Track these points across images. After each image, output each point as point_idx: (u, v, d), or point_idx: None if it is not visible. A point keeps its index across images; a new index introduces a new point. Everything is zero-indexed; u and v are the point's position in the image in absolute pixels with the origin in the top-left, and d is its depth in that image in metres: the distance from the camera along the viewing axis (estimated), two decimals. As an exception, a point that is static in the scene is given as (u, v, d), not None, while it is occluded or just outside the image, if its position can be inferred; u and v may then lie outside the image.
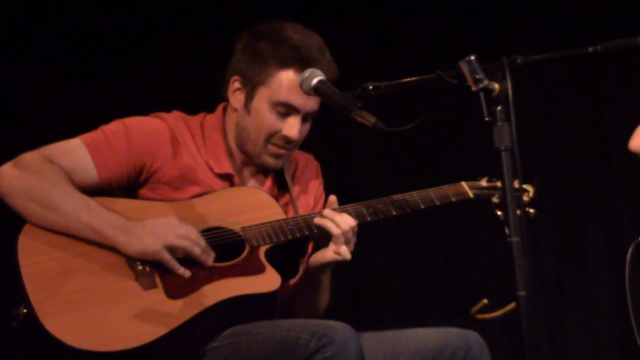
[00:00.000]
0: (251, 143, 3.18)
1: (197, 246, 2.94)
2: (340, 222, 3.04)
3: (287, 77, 3.11)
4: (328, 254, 3.07)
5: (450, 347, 2.98)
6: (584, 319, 5.00)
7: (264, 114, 3.14)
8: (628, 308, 3.60)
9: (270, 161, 3.19)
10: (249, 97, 3.16)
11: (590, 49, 2.53)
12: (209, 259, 2.96)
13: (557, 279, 5.00)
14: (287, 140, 3.16)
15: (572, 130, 5.05)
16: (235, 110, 3.21)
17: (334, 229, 3.04)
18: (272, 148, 3.17)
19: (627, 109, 4.84)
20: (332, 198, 3.14)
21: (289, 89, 3.09)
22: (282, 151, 3.18)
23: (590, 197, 5.04)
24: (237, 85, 3.19)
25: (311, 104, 3.13)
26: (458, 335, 3.01)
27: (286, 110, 3.13)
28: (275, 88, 3.12)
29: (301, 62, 3.08)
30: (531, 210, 3.14)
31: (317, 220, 3.07)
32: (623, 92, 4.93)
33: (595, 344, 4.99)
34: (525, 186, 3.17)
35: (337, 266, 3.14)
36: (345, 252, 3.05)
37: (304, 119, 3.17)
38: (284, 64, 3.10)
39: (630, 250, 3.62)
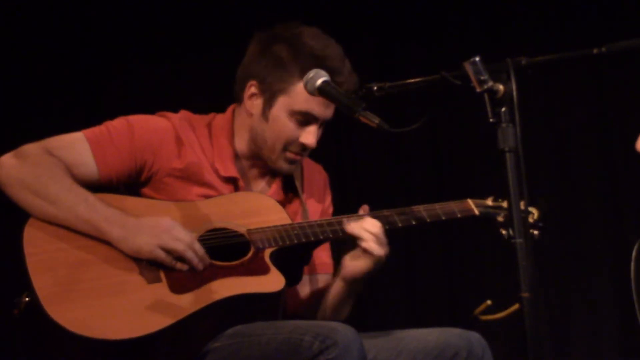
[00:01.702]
0: (267, 149, 3.17)
1: (191, 250, 2.93)
2: (369, 227, 3.05)
3: None
4: (360, 258, 3.07)
5: (452, 347, 2.98)
6: (587, 320, 4.99)
7: (283, 123, 3.14)
8: (632, 310, 3.59)
9: (285, 167, 3.19)
10: (268, 104, 3.15)
11: (595, 51, 2.54)
12: (200, 264, 2.95)
13: (560, 281, 4.99)
14: (304, 147, 3.16)
15: (575, 131, 5.04)
16: (251, 115, 3.19)
17: (363, 234, 3.04)
18: (289, 154, 3.17)
19: (631, 110, 4.84)
20: (365, 208, 3.14)
21: (309, 98, 3.06)
22: (298, 157, 3.18)
23: (594, 198, 5.03)
24: (253, 90, 3.17)
25: (329, 112, 3.13)
26: (460, 335, 3.01)
27: (305, 118, 3.13)
28: (295, 97, 3.11)
29: None
30: (535, 232, 3.14)
31: (347, 226, 3.07)
32: (627, 94, 4.93)
33: (599, 345, 4.98)
34: (530, 208, 3.17)
35: (371, 273, 3.12)
36: (375, 248, 3.03)
37: (319, 127, 3.17)
38: (305, 74, 3.05)
39: (635, 249, 3.62)
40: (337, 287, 3.17)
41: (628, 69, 4.77)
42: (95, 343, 2.76)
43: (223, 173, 3.17)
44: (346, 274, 3.13)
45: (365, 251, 3.05)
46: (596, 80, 5.01)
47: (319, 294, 3.24)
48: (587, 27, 4.92)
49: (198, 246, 2.95)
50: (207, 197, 3.12)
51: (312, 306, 3.23)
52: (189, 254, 2.93)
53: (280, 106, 3.14)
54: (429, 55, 4.91)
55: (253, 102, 3.18)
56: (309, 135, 3.14)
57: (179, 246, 2.92)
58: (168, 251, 2.92)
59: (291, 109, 3.12)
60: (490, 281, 4.85)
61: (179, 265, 2.93)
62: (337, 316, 3.20)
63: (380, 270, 3.13)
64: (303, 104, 3.10)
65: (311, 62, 3.07)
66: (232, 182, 3.19)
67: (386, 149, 4.98)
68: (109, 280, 2.89)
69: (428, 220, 3.16)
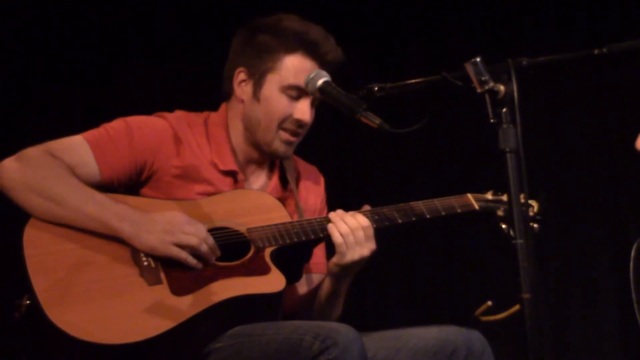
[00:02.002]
0: (262, 131, 3.18)
1: (205, 244, 2.94)
2: (340, 226, 3.06)
3: (294, 61, 3.13)
4: (334, 257, 3.09)
5: (451, 344, 2.98)
6: (587, 321, 4.99)
7: (274, 99, 3.15)
8: (632, 310, 3.60)
9: (281, 148, 3.19)
10: (258, 85, 3.17)
11: (596, 51, 2.54)
12: (213, 257, 2.96)
13: (560, 281, 4.99)
14: (299, 124, 3.17)
15: (576, 131, 5.04)
16: (242, 101, 3.21)
17: (335, 235, 3.05)
18: (283, 135, 3.17)
19: (632, 111, 4.84)
20: (366, 207, 3.15)
21: (297, 72, 3.10)
22: (293, 138, 3.19)
23: (594, 198, 5.03)
24: (242, 76, 3.20)
25: None
26: (459, 332, 3.01)
27: (297, 93, 3.15)
28: (284, 73, 3.13)
29: (307, 45, 3.12)
30: (535, 226, 3.14)
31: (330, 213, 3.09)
32: (628, 94, 4.93)
33: (599, 345, 4.98)
34: (530, 201, 3.18)
35: (350, 272, 3.12)
36: (337, 237, 3.04)
37: (312, 104, 3.18)
38: (291, 49, 3.13)
39: (634, 249, 3.62)
40: (324, 285, 3.18)
41: (629, 70, 4.77)
42: (95, 347, 2.76)
43: (222, 167, 3.18)
44: (328, 270, 3.15)
45: (335, 244, 3.07)
46: (597, 80, 5.00)
47: (314, 294, 3.24)
48: (588, 27, 4.92)
49: (211, 240, 2.95)
50: (207, 194, 3.13)
51: (308, 306, 3.23)
52: (204, 248, 2.93)
53: (270, 84, 3.16)
54: (430, 55, 4.91)
55: (243, 89, 3.21)
56: (302, 111, 3.15)
57: (193, 241, 2.92)
58: (182, 247, 2.92)
59: (281, 84, 3.14)
60: (490, 282, 4.84)
61: (194, 262, 2.92)
62: (325, 315, 3.20)
63: (363, 270, 3.13)
64: (292, 78, 3.11)
65: (293, 37, 3.14)
66: (231, 175, 3.20)
67: (387, 148, 4.98)
68: (109, 282, 2.88)
69: (428, 216, 3.16)
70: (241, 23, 3.30)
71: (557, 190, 4.92)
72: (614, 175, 5.02)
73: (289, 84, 3.14)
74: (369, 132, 2.87)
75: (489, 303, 2.98)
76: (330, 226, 3.07)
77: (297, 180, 3.33)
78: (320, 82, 2.98)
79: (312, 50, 3.12)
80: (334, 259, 3.10)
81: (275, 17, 3.21)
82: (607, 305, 4.97)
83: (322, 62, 3.12)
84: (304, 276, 3.24)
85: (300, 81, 3.10)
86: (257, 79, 3.17)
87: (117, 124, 3.12)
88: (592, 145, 5.05)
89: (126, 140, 3.09)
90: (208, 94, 3.39)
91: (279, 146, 3.19)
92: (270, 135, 3.18)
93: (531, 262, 2.36)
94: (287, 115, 3.16)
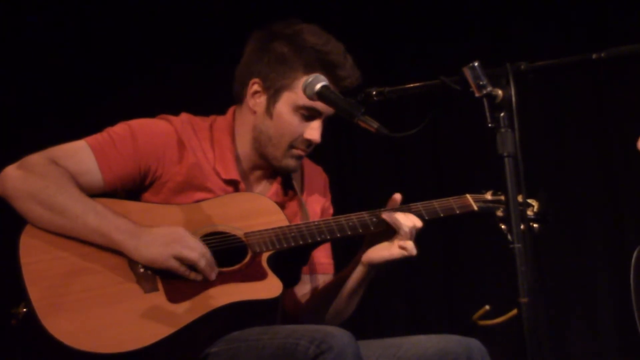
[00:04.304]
0: (272, 147, 3.17)
1: (203, 259, 2.92)
2: (407, 220, 3.07)
3: None
4: (394, 250, 3.09)
5: (451, 354, 2.97)
6: (586, 324, 4.99)
7: (287, 118, 3.14)
8: (631, 315, 3.60)
9: (292, 163, 3.19)
10: (272, 100, 3.15)
11: (594, 56, 2.54)
12: (213, 273, 2.94)
13: (558, 285, 4.99)
14: (308, 144, 3.17)
15: (575, 136, 5.04)
16: (254, 113, 3.19)
17: (403, 227, 3.06)
18: (294, 151, 3.17)
19: (630, 116, 4.84)
20: (397, 196, 3.16)
21: None
22: (302, 153, 3.19)
23: (593, 201, 5.03)
24: (256, 87, 3.18)
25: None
26: (459, 342, 3.00)
27: (309, 113, 3.14)
28: (300, 93, 3.08)
29: (326, 67, 3.09)
30: (535, 225, 3.14)
31: (385, 215, 3.08)
32: (626, 99, 4.93)
33: (597, 350, 4.98)
34: (530, 200, 3.17)
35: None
36: (412, 247, 3.07)
37: (322, 123, 3.18)
38: (309, 69, 3.09)
39: (634, 257, 3.62)
40: (357, 273, 3.18)
41: (627, 74, 4.78)
42: (91, 357, 2.76)
43: (224, 175, 3.17)
44: (369, 261, 3.14)
45: (401, 247, 3.07)
46: (595, 85, 5.01)
47: (318, 294, 3.25)
48: (587, 32, 4.93)
49: (210, 255, 2.94)
50: (207, 199, 3.11)
51: (316, 306, 3.24)
52: (202, 263, 2.92)
53: (285, 102, 3.14)
54: (428, 59, 4.91)
55: (256, 100, 3.18)
56: (314, 131, 3.15)
57: (192, 255, 2.91)
58: (181, 260, 2.91)
59: (296, 104, 3.13)
60: (489, 286, 4.84)
61: (192, 275, 2.92)
62: (350, 304, 3.21)
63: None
64: (307, 99, 3.06)
65: (314, 57, 3.10)
66: (232, 184, 3.18)
67: (385, 151, 4.98)
68: (105, 289, 2.88)
69: (426, 217, 3.16)
70: (243, 24, 3.29)
71: (556, 195, 4.92)
72: (612, 179, 5.02)
73: (303, 104, 3.11)
74: (368, 135, 2.87)
75: (487, 307, 2.98)
76: (393, 219, 3.08)
77: (302, 183, 3.33)
78: (318, 86, 2.96)
79: (330, 73, 3.07)
80: (387, 255, 3.10)
81: (295, 26, 3.17)
82: (606, 309, 4.97)
83: (339, 86, 3.08)
84: (309, 277, 3.25)
85: (315, 103, 3.06)
86: (272, 94, 3.15)
87: (121, 129, 3.11)
88: (591, 150, 5.05)
89: (130, 146, 3.07)
90: (214, 97, 3.38)
91: (289, 162, 3.19)
92: (280, 152, 3.17)
93: (529, 266, 2.36)
94: (298, 135, 3.15)
